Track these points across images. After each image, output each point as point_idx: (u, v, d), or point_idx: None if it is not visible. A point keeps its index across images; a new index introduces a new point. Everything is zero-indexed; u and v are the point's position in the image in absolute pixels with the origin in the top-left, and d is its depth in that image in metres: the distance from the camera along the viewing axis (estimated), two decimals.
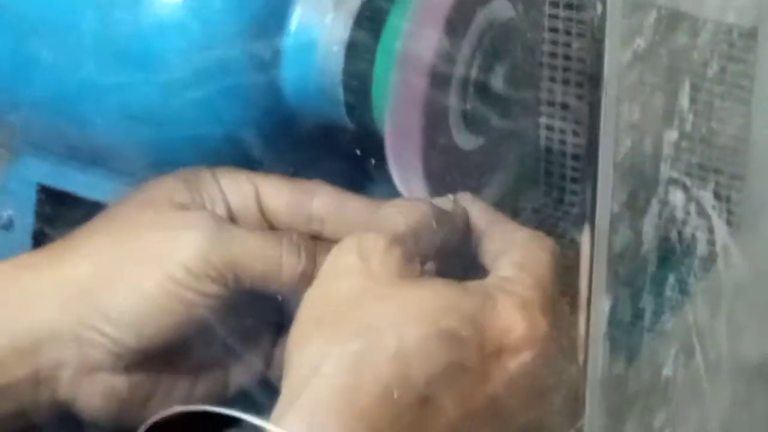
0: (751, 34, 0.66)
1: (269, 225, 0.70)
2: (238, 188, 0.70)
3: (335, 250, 0.63)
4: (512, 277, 0.63)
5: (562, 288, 0.59)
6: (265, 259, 0.66)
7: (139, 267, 0.66)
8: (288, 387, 0.59)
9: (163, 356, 0.68)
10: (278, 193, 0.70)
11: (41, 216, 0.79)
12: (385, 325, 0.59)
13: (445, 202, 0.67)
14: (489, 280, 0.63)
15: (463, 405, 0.59)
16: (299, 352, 0.60)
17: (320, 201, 0.70)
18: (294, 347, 0.60)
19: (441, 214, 0.66)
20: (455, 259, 0.66)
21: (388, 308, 0.60)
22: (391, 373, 0.58)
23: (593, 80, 0.48)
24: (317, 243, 0.69)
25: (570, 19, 0.73)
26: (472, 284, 0.63)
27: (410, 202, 0.67)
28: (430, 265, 0.65)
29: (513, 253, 0.64)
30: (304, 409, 0.57)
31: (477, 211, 0.67)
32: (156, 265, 0.66)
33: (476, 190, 0.74)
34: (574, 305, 0.54)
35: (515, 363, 0.60)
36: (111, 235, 0.68)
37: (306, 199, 0.70)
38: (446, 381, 0.59)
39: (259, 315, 0.66)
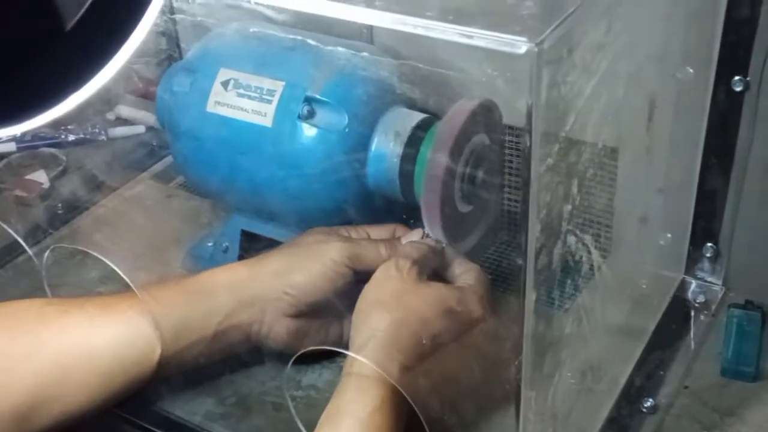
0: (613, 151, 0.65)
1: None
2: (357, 233, 0.70)
3: (383, 266, 0.64)
4: (473, 285, 0.64)
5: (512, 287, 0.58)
6: (372, 252, 0.67)
7: (308, 261, 0.67)
8: (357, 339, 0.60)
9: (316, 311, 0.67)
10: (378, 235, 0.71)
11: (243, 246, 0.78)
12: (412, 306, 0.60)
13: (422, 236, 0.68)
14: (463, 285, 0.64)
15: (451, 350, 0.60)
16: (364, 320, 0.61)
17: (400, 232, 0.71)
18: (360, 317, 0.61)
19: (435, 250, 0.67)
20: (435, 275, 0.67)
21: (412, 297, 0.61)
22: (416, 330, 0.59)
23: (526, 180, 0.48)
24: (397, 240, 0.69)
25: (516, 146, 0.73)
26: (456, 286, 0.64)
27: (422, 243, 0.68)
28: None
29: (469, 275, 0.65)
30: (370, 351, 0.58)
31: (448, 252, 0.68)
32: (318, 260, 0.66)
33: (468, 233, 0.74)
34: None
35: (473, 332, 0.62)
36: (290, 249, 0.69)
37: (390, 235, 0.71)
38: (443, 335, 0.60)
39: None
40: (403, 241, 0.68)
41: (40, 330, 0.63)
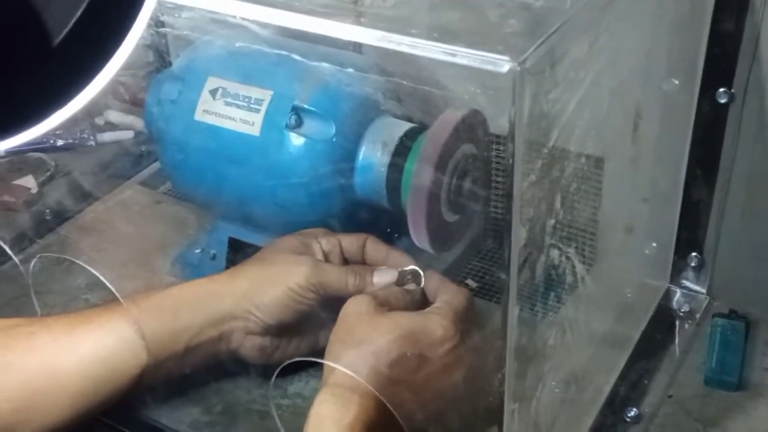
0: (599, 161, 0.65)
1: (345, 257, 0.71)
2: (328, 241, 0.71)
3: (347, 304, 0.64)
4: (440, 306, 0.64)
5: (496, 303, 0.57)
6: (338, 281, 0.67)
7: (274, 283, 0.67)
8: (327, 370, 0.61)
9: (283, 329, 0.68)
10: (350, 243, 0.71)
11: (231, 252, 0.78)
12: (369, 338, 0.61)
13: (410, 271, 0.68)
14: (428, 309, 0.64)
15: (414, 376, 0.60)
16: (332, 356, 0.61)
17: (369, 246, 0.71)
18: (329, 353, 0.62)
19: (407, 293, 0.67)
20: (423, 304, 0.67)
21: (369, 329, 0.61)
22: (373, 362, 0.59)
23: (509, 195, 0.48)
24: (367, 268, 0.69)
25: (501, 158, 0.73)
26: (418, 312, 0.64)
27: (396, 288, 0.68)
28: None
29: (443, 295, 0.65)
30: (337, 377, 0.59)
31: (432, 276, 0.68)
32: (284, 283, 0.67)
33: (455, 242, 0.74)
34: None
35: (440, 351, 0.61)
36: (260, 266, 0.69)
37: (361, 245, 0.71)
38: (403, 363, 0.60)
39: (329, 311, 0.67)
40: (375, 277, 0.68)
41: (6, 354, 0.62)
